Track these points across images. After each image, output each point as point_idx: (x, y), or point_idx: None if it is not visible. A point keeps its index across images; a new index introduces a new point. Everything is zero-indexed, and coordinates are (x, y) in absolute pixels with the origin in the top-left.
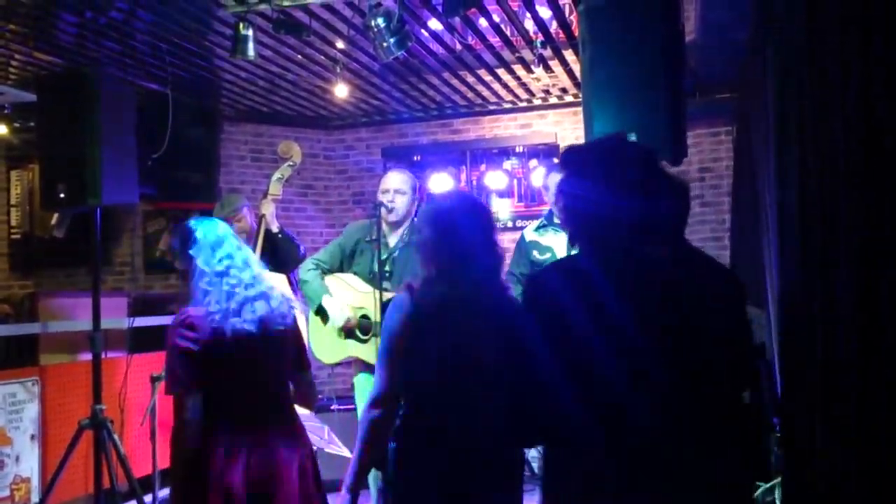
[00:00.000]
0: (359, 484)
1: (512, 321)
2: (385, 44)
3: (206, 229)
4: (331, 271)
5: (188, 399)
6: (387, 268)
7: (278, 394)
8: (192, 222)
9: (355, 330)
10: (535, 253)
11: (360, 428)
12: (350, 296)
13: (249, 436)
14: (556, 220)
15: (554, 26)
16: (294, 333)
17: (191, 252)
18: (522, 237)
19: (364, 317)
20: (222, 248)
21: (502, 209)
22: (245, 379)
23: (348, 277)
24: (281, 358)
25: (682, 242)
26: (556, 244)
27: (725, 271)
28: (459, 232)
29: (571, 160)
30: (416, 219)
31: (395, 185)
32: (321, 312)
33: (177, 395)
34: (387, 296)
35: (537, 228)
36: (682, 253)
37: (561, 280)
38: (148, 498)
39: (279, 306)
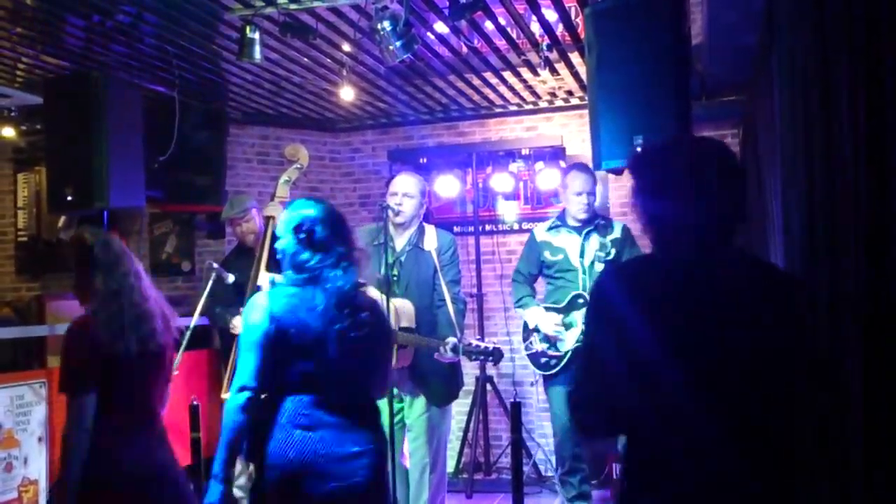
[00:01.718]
0: (229, 472)
1: (384, 328)
2: (391, 47)
3: (104, 247)
4: None
5: (86, 399)
6: (394, 271)
7: (151, 401)
8: (89, 238)
9: None
10: (546, 254)
11: (226, 417)
12: None
13: (130, 437)
14: (570, 222)
15: (560, 29)
16: (170, 348)
17: (90, 268)
18: (533, 236)
19: None
20: (120, 265)
21: (508, 211)
22: (127, 387)
23: None
24: (158, 371)
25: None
26: (569, 245)
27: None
28: (320, 240)
29: (644, 161)
30: (424, 223)
31: (403, 189)
32: None
33: (76, 394)
34: (395, 300)
35: (549, 229)
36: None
37: (631, 277)
38: None
39: (162, 324)
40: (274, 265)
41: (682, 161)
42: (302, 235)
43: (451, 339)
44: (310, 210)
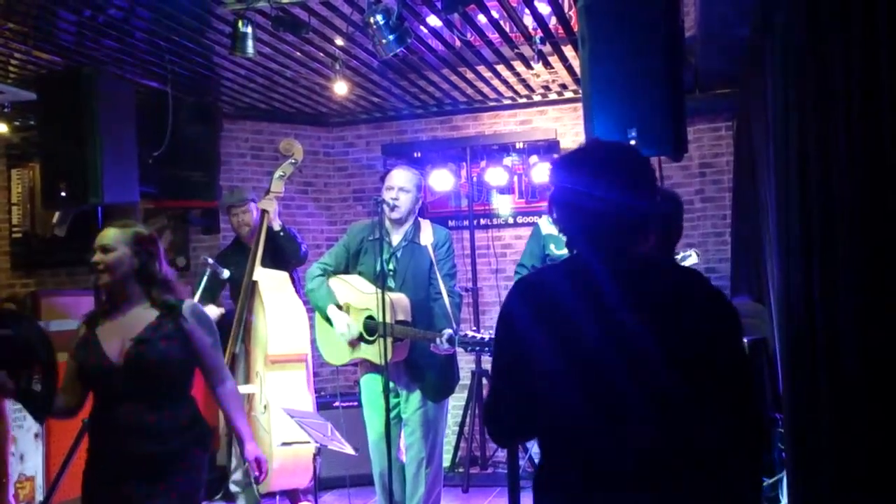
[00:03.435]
0: None
1: None
2: (384, 40)
3: None
4: (336, 273)
5: None
6: (390, 266)
7: None
8: None
9: (361, 332)
10: (552, 247)
11: None
12: (354, 297)
13: None
14: None
15: (553, 22)
16: None
17: None
18: (538, 229)
19: (369, 318)
20: None
21: (503, 205)
22: None
23: (352, 279)
24: None
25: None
26: None
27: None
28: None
29: (562, 163)
30: (419, 217)
31: (399, 184)
32: (329, 319)
33: None
34: (390, 294)
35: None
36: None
37: (560, 279)
38: None
39: None
40: (269, 260)
41: (591, 164)
42: (151, 247)
43: (448, 331)
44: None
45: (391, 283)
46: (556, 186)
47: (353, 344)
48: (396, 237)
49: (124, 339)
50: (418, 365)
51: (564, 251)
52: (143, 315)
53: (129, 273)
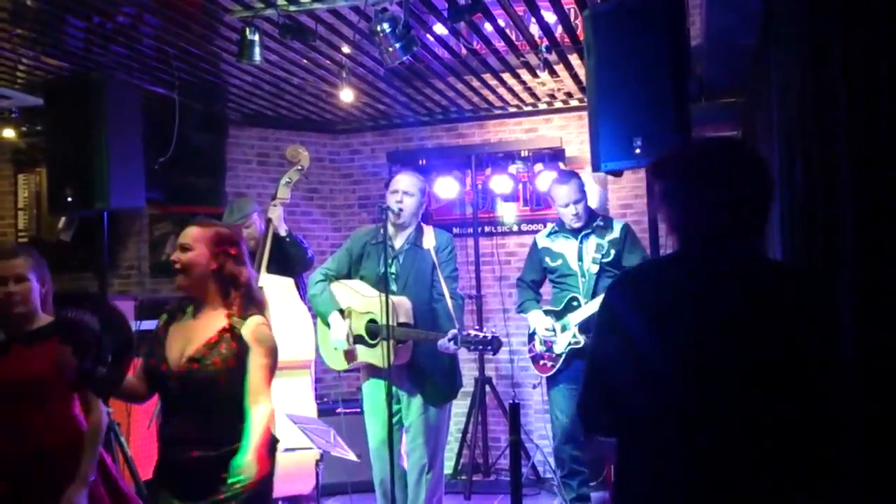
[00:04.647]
0: None
1: None
2: (391, 48)
3: None
4: (338, 278)
5: None
6: (392, 269)
7: None
8: None
9: (363, 335)
10: (547, 259)
11: None
12: (356, 301)
13: None
14: (567, 227)
15: (559, 31)
16: None
17: None
18: (534, 244)
19: (371, 321)
20: None
21: (508, 213)
22: None
23: (354, 283)
24: None
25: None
26: (568, 249)
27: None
28: None
29: (664, 163)
30: (422, 223)
31: (403, 187)
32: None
33: None
34: (393, 297)
35: (549, 234)
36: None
37: (635, 283)
38: None
39: None
40: (275, 266)
41: (701, 165)
42: (232, 248)
43: (452, 331)
44: None
45: (393, 286)
46: (667, 182)
47: (349, 355)
48: (399, 241)
49: (184, 349)
50: (421, 368)
51: (559, 262)
52: (211, 324)
53: (206, 274)
